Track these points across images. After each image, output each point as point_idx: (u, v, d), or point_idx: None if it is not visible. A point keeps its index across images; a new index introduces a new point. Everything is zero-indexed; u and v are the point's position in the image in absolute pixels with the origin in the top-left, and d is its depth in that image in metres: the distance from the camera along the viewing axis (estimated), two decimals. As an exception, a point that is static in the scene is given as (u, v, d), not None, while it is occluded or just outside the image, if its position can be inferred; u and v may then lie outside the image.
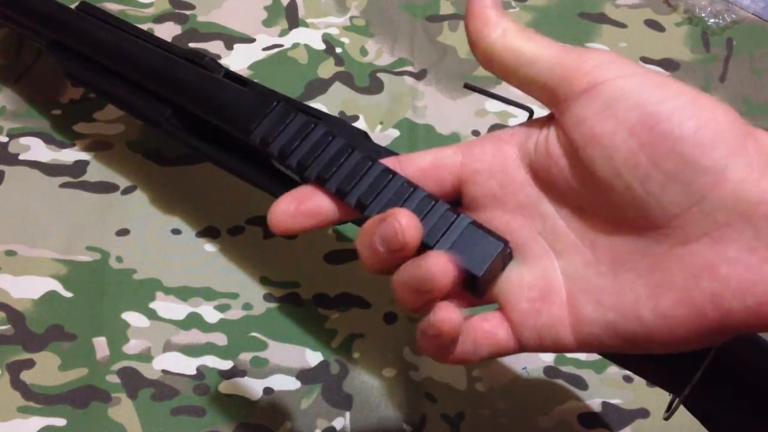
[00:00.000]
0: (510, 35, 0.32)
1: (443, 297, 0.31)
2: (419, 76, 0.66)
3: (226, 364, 0.53)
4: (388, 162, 0.35)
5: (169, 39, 0.67)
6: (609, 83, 0.29)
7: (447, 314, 0.31)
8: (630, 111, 0.29)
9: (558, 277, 0.32)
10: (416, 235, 0.30)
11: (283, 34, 0.68)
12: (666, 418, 0.38)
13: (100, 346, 0.54)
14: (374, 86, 0.65)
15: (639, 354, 0.37)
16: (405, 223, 0.30)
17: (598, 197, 0.30)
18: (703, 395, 0.36)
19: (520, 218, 0.32)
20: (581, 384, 0.53)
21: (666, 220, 0.29)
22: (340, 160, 0.35)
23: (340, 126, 0.46)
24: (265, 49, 0.67)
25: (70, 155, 0.62)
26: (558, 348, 0.31)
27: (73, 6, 0.58)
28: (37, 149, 0.62)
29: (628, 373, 0.53)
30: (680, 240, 0.29)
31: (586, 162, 0.30)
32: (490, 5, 0.33)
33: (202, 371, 0.53)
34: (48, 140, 0.62)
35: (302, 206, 0.34)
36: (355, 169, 0.34)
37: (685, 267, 0.28)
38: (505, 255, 0.32)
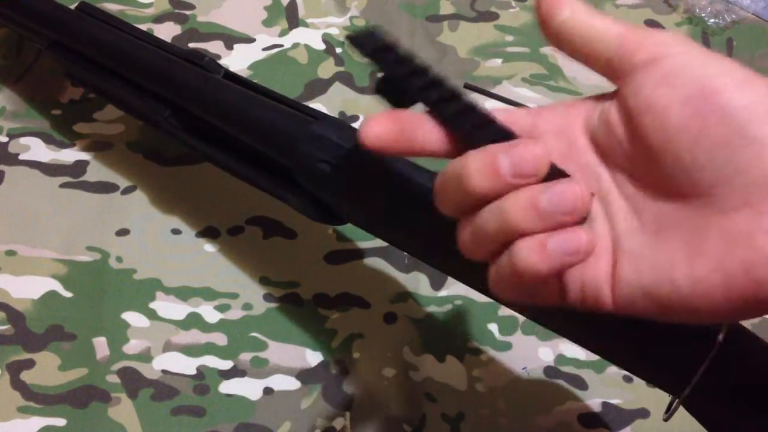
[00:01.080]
0: (579, 14, 0.34)
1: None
2: (419, 76, 0.66)
3: (226, 364, 0.53)
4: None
5: (169, 39, 0.67)
6: (670, 58, 0.31)
7: (591, 237, 0.31)
8: (688, 82, 0.30)
9: (606, 238, 0.32)
10: (548, 164, 0.31)
11: (283, 34, 0.68)
12: (666, 419, 0.38)
13: (100, 346, 0.54)
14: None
15: (638, 354, 0.37)
16: (542, 149, 0.31)
17: (648, 164, 0.31)
18: (703, 396, 0.36)
19: (580, 179, 0.33)
20: (581, 384, 0.53)
21: (710, 188, 0.30)
22: (449, 97, 0.35)
23: (337, 126, 0.46)
24: (265, 49, 0.67)
25: (70, 155, 0.62)
26: (596, 305, 0.32)
27: (72, 6, 0.59)
28: (37, 149, 0.62)
29: (628, 373, 0.53)
30: (722, 208, 0.29)
31: (640, 130, 0.31)
32: None
33: (202, 371, 0.53)
34: (48, 140, 0.62)
35: (406, 128, 0.34)
36: (463, 106, 0.34)
37: (722, 234, 0.29)
38: None
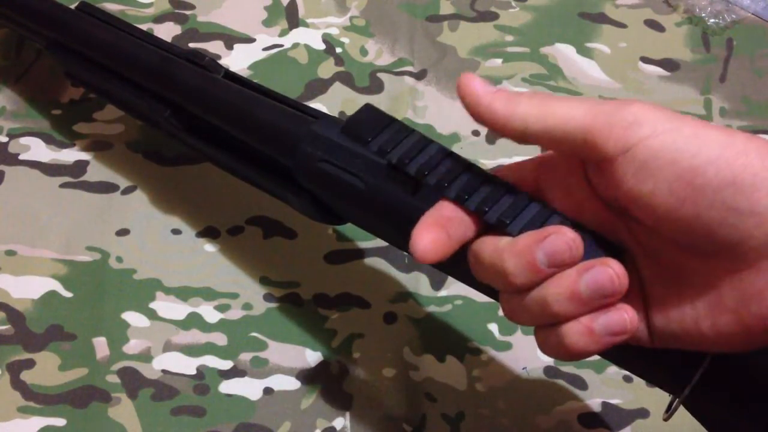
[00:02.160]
0: (533, 107, 0.33)
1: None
2: (419, 76, 0.66)
3: (226, 364, 0.53)
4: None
5: (169, 39, 0.67)
6: (641, 144, 0.30)
7: (632, 313, 0.32)
8: (666, 169, 0.30)
9: (635, 282, 0.33)
10: (581, 248, 0.32)
11: (283, 34, 0.68)
12: (665, 419, 0.38)
13: (100, 346, 0.54)
14: (374, 86, 0.65)
15: (638, 354, 0.37)
16: (572, 237, 0.31)
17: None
18: (703, 396, 0.36)
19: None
20: (581, 384, 0.53)
21: (714, 254, 0.30)
22: (466, 177, 0.36)
23: (338, 125, 0.46)
24: (265, 49, 0.67)
25: (70, 155, 0.62)
26: (637, 342, 0.34)
27: (72, 6, 0.59)
28: (37, 149, 0.62)
29: (628, 373, 0.52)
30: (730, 268, 0.30)
31: (631, 214, 0.32)
32: (481, 87, 0.34)
33: (202, 371, 0.53)
34: (48, 140, 0.62)
35: (451, 232, 0.34)
36: (484, 185, 0.35)
37: (736, 292, 0.30)
38: None
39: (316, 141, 0.45)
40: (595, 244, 0.33)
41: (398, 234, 0.44)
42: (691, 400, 0.37)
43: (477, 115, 0.34)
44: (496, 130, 0.34)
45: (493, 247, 0.33)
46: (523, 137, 0.33)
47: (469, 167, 0.36)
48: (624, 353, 0.38)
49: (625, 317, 0.31)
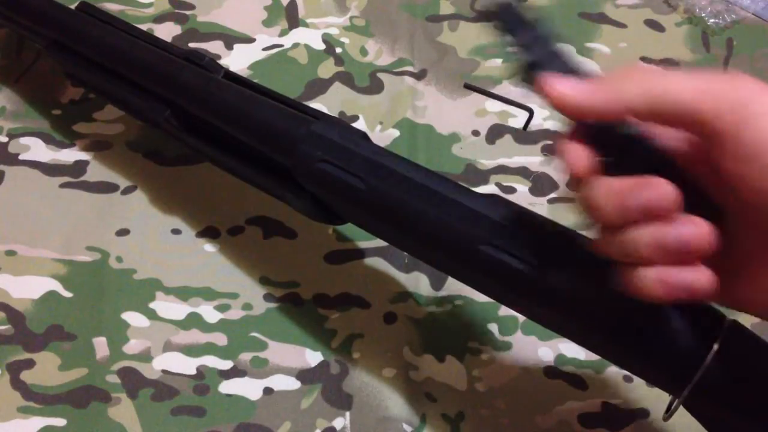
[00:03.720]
0: (649, 82, 0.33)
1: None
2: (419, 76, 0.66)
3: (226, 364, 0.53)
4: None
5: (169, 39, 0.67)
6: (749, 127, 0.30)
7: (710, 277, 0.32)
8: None
9: (727, 243, 0.33)
10: (679, 206, 0.32)
11: (283, 34, 0.68)
12: (665, 419, 0.38)
13: (100, 346, 0.54)
14: (374, 86, 0.65)
15: (638, 354, 0.37)
16: (670, 192, 0.31)
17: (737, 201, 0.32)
18: (703, 396, 0.36)
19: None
20: (581, 384, 0.53)
21: None
22: None
23: (337, 125, 0.46)
24: (265, 49, 0.67)
25: (70, 155, 0.62)
26: (705, 297, 0.33)
27: (72, 6, 0.59)
28: (37, 149, 0.62)
29: (628, 373, 0.53)
30: None
31: (734, 187, 0.32)
32: (571, 88, 0.35)
33: (202, 371, 0.53)
34: (48, 140, 0.62)
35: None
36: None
37: None
38: None
39: (316, 141, 0.45)
40: (693, 200, 0.33)
41: (399, 233, 0.44)
42: (691, 400, 0.37)
43: (579, 115, 0.34)
44: (599, 119, 0.34)
45: (596, 181, 0.33)
46: (627, 119, 0.34)
47: None
48: (624, 353, 0.38)
49: (701, 279, 0.31)
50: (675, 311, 0.36)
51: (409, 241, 0.44)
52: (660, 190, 0.31)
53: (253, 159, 0.50)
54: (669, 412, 0.38)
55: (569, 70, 0.35)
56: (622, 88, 0.33)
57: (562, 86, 0.34)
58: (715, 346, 0.35)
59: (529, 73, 0.37)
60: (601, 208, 0.33)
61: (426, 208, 0.41)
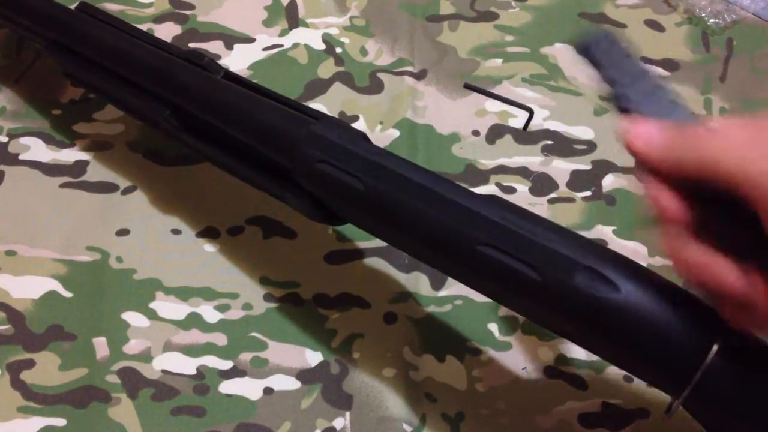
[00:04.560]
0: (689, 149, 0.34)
1: None
2: (419, 76, 0.66)
3: (226, 364, 0.53)
4: None
5: (169, 39, 0.67)
6: None
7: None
8: None
9: None
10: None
11: (283, 34, 0.68)
12: (666, 418, 0.38)
13: (100, 346, 0.54)
14: (374, 86, 0.65)
15: (638, 355, 0.37)
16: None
17: None
18: (703, 397, 0.36)
19: None
20: (581, 384, 0.53)
21: None
22: None
23: (337, 126, 0.46)
24: (265, 49, 0.67)
25: (70, 155, 0.62)
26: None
27: (72, 6, 0.59)
28: (37, 149, 0.62)
29: (628, 373, 0.53)
30: None
31: None
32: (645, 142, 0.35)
33: (202, 371, 0.53)
34: (48, 140, 0.62)
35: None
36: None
37: None
38: None
39: (315, 141, 0.45)
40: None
41: (398, 234, 0.44)
42: (690, 401, 0.37)
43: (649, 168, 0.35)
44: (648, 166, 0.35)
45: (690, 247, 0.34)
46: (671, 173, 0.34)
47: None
48: (624, 354, 0.38)
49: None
50: (675, 311, 0.36)
51: (408, 242, 0.44)
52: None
53: (252, 159, 0.50)
54: (669, 412, 0.38)
55: (660, 105, 0.36)
56: (687, 155, 0.34)
57: (635, 136, 0.35)
58: (715, 347, 0.35)
59: (619, 108, 0.38)
60: (691, 278, 0.34)
61: (424, 208, 0.41)
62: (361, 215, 0.45)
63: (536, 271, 0.38)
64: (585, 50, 0.38)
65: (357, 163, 0.43)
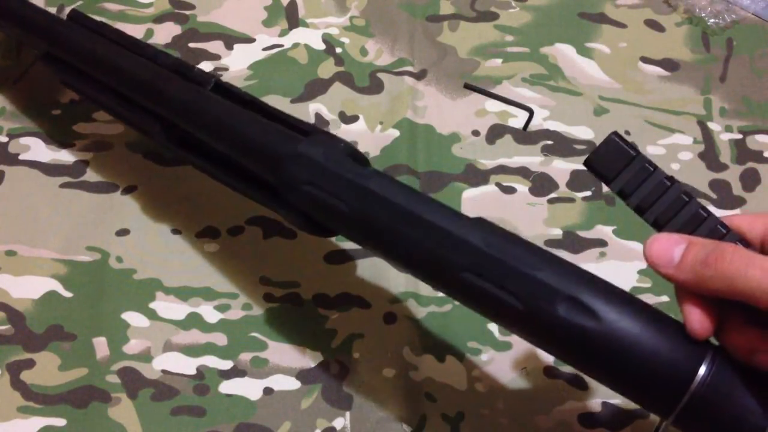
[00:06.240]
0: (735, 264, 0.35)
1: None
2: (419, 76, 0.66)
3: (226, 364, 0.53)
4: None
5: (169, 39, 0.67)
6: None
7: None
8: None
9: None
10: None
11: (283, 34, 0.68)
12: None
13: (100, 346, 0.54)
14: (374, 86, 0.65)
15: (625, 380, 0.37)
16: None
17: None
18: (691, 418, 0.36)
19: None
20: (581, 384, 0.53)
21: None
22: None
23: (323, 145, 0.46)
24: (265, 49, 0.67)
25: (70, 155, 0.62)
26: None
27: (68, 9, 0.58)
28: (37, 149, 0.62)
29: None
30: None
31: None
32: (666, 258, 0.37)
33: (202, 371, 0.53)
34: (48, 140, 0.62)
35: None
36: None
37: None
38: None
39: (301, 162, 0.45)
40: None
41: (383, 255, 0.44)
42: (679, 422, 0.37)
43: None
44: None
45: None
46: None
47: (706, 218, 0.37)
48: (612, 378, 0.38)
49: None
50: (659, 337, 0.36)
51: (393, 262, 0.44)
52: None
53: (244, 173, 0.50)
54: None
55: (674, 207, 0.38)
56: (704, 275, 0.35)
57: (653, 252, 0.37)
58: (702, 370, 0.35)
59: (640, 216, 0.39)
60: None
61: (408, 232, 0.41)
62: (347, 233, 0.45)
63: (519, 300, 0.38)
64: (590, 167, 0.39)
65: (341, 185, 0.43)
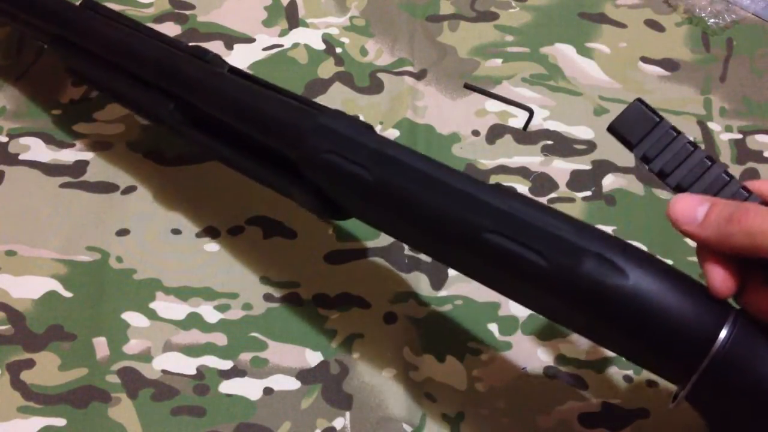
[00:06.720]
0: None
1: None
2: (419, 76, 0.66)
3: (226, 364, 0.53)
4: None
5: (169, 39, 0.67)
6: None
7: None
8: None
9: None
10: None
11: (283, 34, 0.68)
12: (672, 408, 0.38)
13: (100, 346, 0.54)
14: (374, 86, 0.65)
15: (644, 344, 0.37)
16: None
17: None
18: (709, 385, 0.36)
19: None
20: (581, 384, 0.53)
21: None
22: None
23: (343, 118, 0.46)
24: (265, 49, 0.67)
25: (70, 155, 0.62)
26: None
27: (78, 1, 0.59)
28: (37, 149, 0.62)
29: (628, 372, 0.53)
30: None
31: None
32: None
33: (202, 371, 0.53)
34: (48, 140, 0.62)
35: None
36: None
37: None
38: None
39: (323, 132, 0.45)
40: None
41: (405, 224, 0.44)
42: (696, 391, 0.36)
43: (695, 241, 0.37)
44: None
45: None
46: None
47: (729, 182, 0.38)
48: (630, 343, 0.38)
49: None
50: (683, 298, 0.36)
51: (415, 232, 0.44)
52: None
53: (257, 153, 0.50)
54: (675, 399, 0.38)
55: (697, 172, 0.38)
56: (727, 231, 0.35)
57: (677, 210, 0.37)
58: (723, 333, 0.35)
59: (661, 180, 0.39)
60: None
61: (431, 196, 0.41)
62: (367, 206, 0.45)
63: (544, 258, 0.38)
64: (613, 132, 0.40)
65: (364, 154, 0.43)
